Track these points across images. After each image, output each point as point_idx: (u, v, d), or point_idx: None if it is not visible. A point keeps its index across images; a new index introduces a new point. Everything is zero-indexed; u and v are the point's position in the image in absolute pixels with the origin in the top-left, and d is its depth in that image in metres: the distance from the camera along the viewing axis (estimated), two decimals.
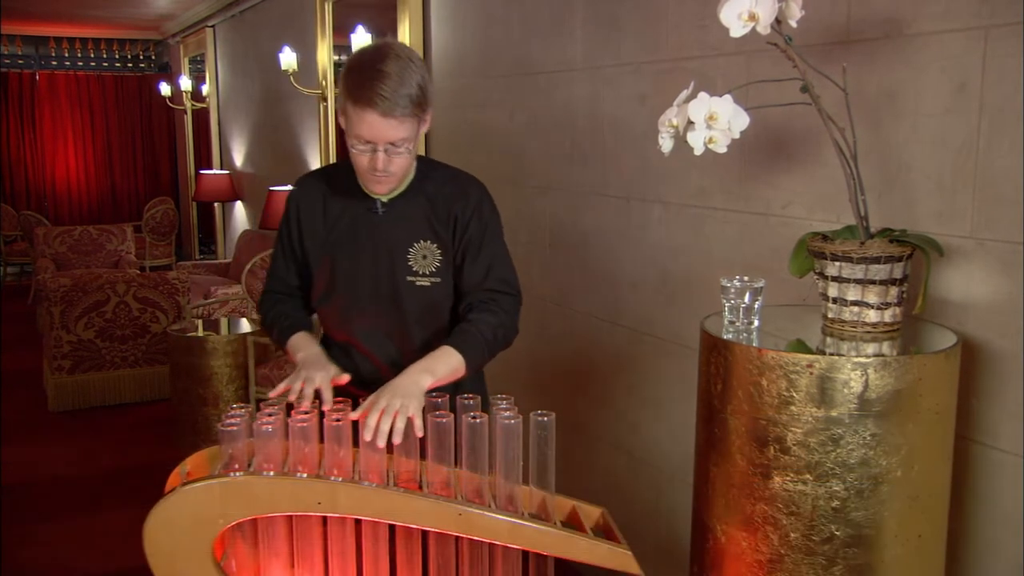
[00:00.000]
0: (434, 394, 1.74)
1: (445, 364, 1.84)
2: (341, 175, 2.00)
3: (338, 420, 1.63)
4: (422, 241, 1.96)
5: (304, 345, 1.98)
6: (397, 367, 1.89)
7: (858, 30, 1.93)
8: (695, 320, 1.92)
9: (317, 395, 1.81)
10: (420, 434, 1.66)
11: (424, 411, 1.70)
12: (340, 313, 2.02)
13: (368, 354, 2.01)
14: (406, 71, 1.79)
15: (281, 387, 1.82)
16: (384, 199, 1.95)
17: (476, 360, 1.89)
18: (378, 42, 1.88)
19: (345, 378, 1.89)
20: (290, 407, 1.72)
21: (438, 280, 1.96)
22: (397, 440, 1.64)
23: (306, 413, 1.66)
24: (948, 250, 1.75)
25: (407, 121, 1.80)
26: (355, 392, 1.90)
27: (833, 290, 1.66)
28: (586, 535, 1.62)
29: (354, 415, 1.67)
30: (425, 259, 1.95)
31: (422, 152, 4.03)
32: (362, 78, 1.78)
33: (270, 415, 1.66)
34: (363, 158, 1.84)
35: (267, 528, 1.65)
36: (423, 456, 1.68)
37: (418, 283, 1.95)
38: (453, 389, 1.87)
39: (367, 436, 1.63)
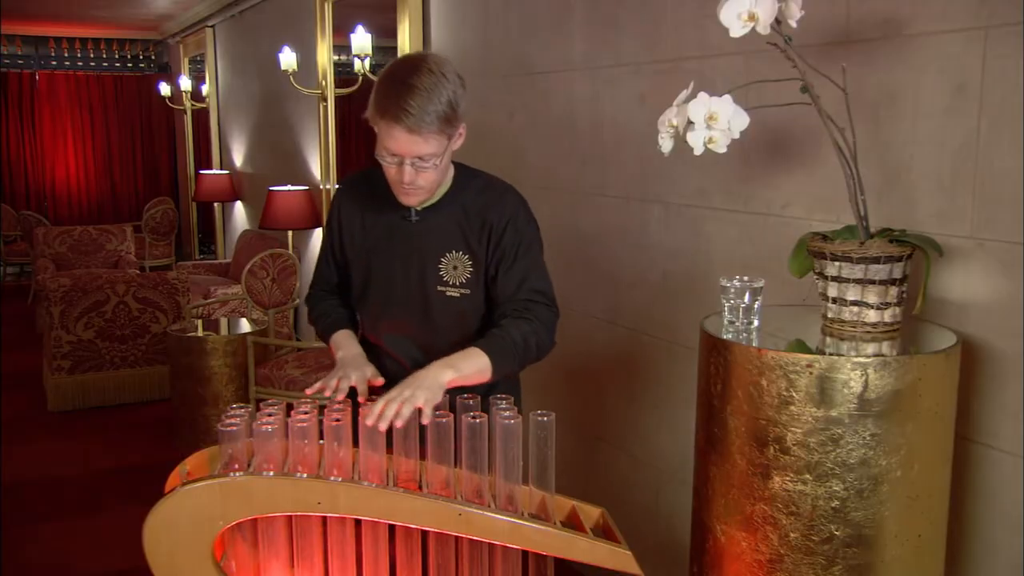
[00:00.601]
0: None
1: (471, 363, 1.81)
2: (381, 181, 1.95)
3: (338, 420, 1.63)
4: (453, 252, 1.94)
5: (345, 344, 2.01)
6: None
7: (857, 30, 1.93)
8: (695, 320, 1.92)
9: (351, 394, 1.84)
10: (425, 421, 1.66)
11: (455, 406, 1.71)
12: (372, 316, 2.04)
13: (396, 358, 2.01)
14: (437, 86, 1.78)
15: (317, 385, 1.84)
16: (418, 208, 1.94)
17: (503, 364, 1.85)
18: (415, 54, 1.89)
19: (380, 381, 1.89)
20: (290, 407, 1.72)
21: (468, 291, 1.94)
22: (399, 423, 1.63)
23: (340, 404, 1.71)
24: (948, 250, 1.75)
25: (434, 137, 1.79)
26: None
27: (833, 290, 1.66)
28: (586, 535, 1.62)
29: (367, 409, 1.69)
30: (456, 270, 1.94)
31: None
32: (391, 91, 1.76)
33: (270, 415, 1.66)
34: (391, 170, 1.84)
35: (267, 528, 1.65)
36: (423, 456, 1.68)
37: (448, 293, 1.94)
38: (487, 390, 1.84)
39: (369, 421, 1.64)
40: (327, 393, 1.81)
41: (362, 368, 1.90)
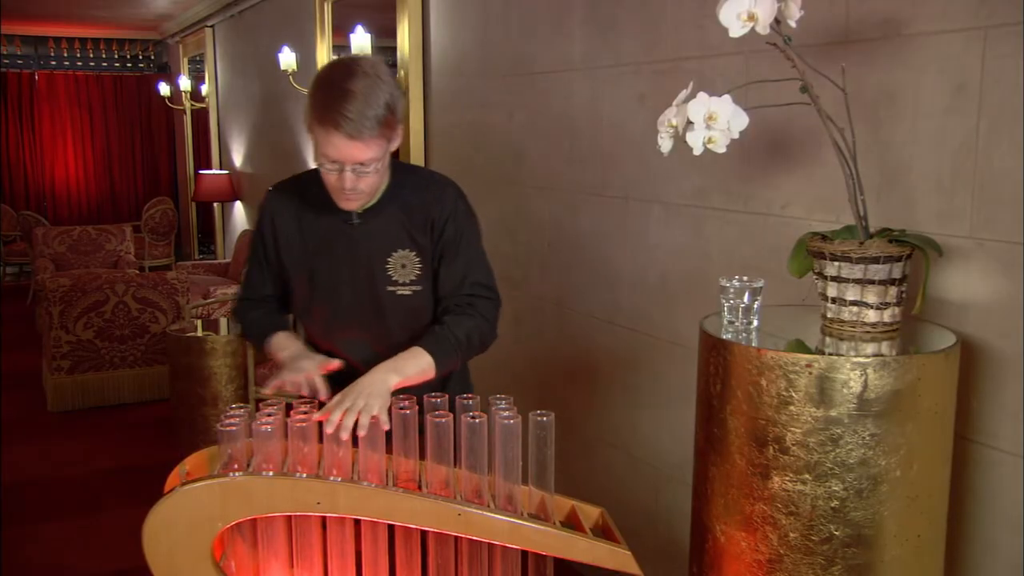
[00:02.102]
0: (465, 395, 1.73)
1: (414, 364, 1.85)
2: (314, 185, 1.96)
3: (302, 422, 1.63)
4: (400, 250, 1.94)
5: (287, 344, 1.99)
6: None
7: (857, 30, 1.93)
8: (694, 320, 1.92)
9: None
10: (386, 427, 1.68)
11: (392, 408, 1.72)
12: (322, 325, 2.02)
13: (351, 361, 1.98)
14: (374, 90, 1.76)
15: (275, 384, 1.84)
16: (359, 210, 1.93)
17: (446, 361, 1.89)
18: (346, 58, 1.85)
19: (335, 364, 1.89)
20: (289, 407, 1.72)
21: (419, 288, 1.96)
22: (362, 433, 1.66)
23: (307, 405, 1.71)
24: (947, 250, 1.75)
25: (374, 142, 1.78)
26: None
27: (832, 290, 1.66)
28: (585, 535, 1.62)
29: (318, 415, 1.69)
30: (404, 268, 1.94)
31: (421, 152, 4.04)
32: (328, 98, 1.75)
33: (269, 415, 1.66)
34: (331, 176, 1.83)
35: (266, 528, 1.65)
36: (422, 456, 1.68)
37: (399, 292, 1.95)
38: (440, 385, 1.90)
39: (329, 429, 1.66)
40: (290, 390, 1.82)
41: (312, 357, 1.90)
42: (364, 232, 1.94)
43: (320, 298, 1.98)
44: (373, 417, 1.69)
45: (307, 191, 1.98)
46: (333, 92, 1.75)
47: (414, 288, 1.95)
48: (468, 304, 1.95)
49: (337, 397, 1.74)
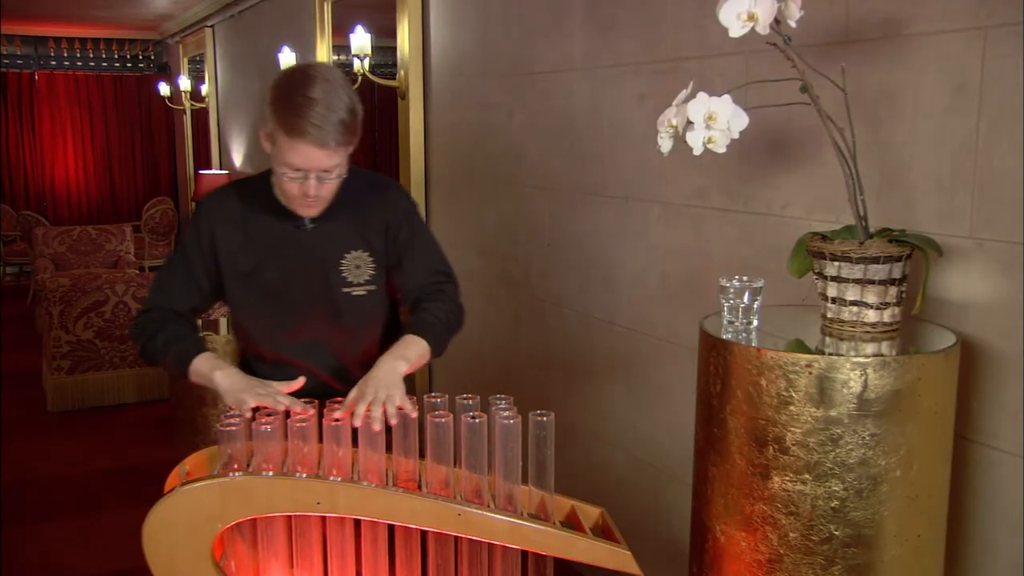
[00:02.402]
0: (465, 396, 1.73)
1: (415, 350, 1.88)
2: (256, 193, 1.95)
3: (303, 422, 1.62)
4: (354, 251, 1.96)
5: (219, 365, 1.87)
6: (340, 376, 1.96)
7: (857, 30, 1.93)
8: (694, 320, 1.92)
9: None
10: (414, 415, 1.69)
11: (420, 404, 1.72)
12: (271, 332, 1.99)
13: (306, 367, 1.96)
14: (335, 96, 1.76)
15: (252, 402, 1.74)
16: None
17: (439, 343, 1.95)
18: (301, 66, 1.83)
19: (298, 383, 1.84)
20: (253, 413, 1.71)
21: (373, 288, 1.98)
22: (394, 421, 1.66)
23: (269, 415, 1.67)
24: (947, 250, 1.75)
25: (340, 149, 1.79)
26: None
27: (832, 290, 1.66)
28: (585, 535, 1.62)
29: (338, 413, 1.68)
30: (359, 269, 1.96)
31: (421, 152, 4.04)
32: (292, 106, 1.73)
33: (269, 415, 1.66)
34: (294, 185, 1.82)
35: (266, 528, 1.65)
36: (422, 456, 1.68)
37: (354, 293, 1.96)
38: None
39: (357, 423, 1.65)
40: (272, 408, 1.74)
41: (264, 384, 1.82)
42: (317, 235, 1.94)
43: (271, 306, 1.96)
44: (399, 406, 1.69)
45: (250, 199, 1.96)
46: (296, 100, 1.74)
47: (368, 288, 1.97)
48: (438, 292, 2.01)
49: (354, 392, 1.74)
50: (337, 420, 1.63)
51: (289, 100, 1.75)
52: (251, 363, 2.05)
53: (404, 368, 1.82)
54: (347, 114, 1.77)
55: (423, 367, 2.04)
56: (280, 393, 1.79)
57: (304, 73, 1.79)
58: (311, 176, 1.79)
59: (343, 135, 1.77)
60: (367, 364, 1.84)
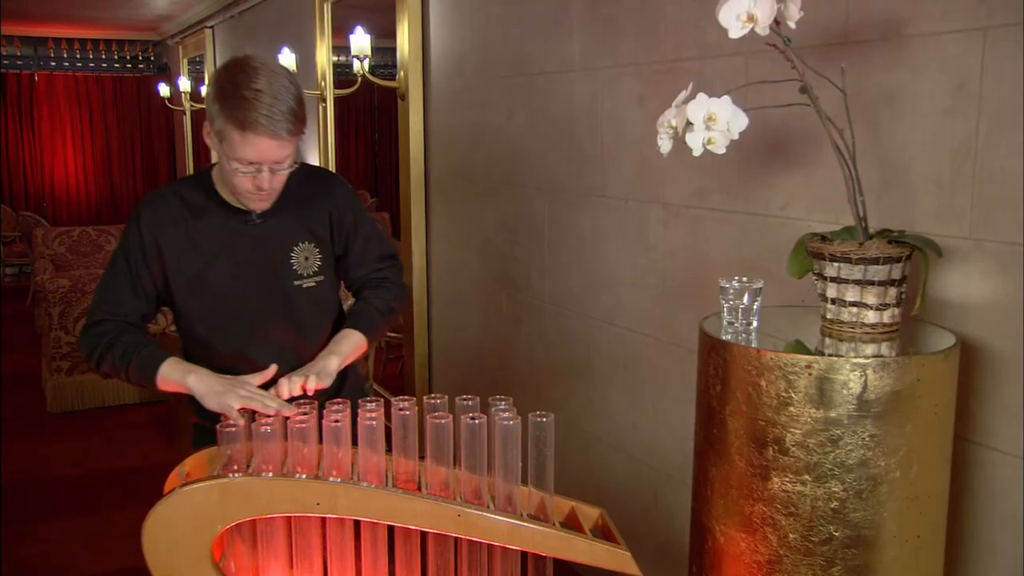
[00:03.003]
0: (465, 396, 1.73)
1: (349, 344, 1.99)
2: (197, 191, 1.94)
3: (303, 423, 1.63)
4: (301, 243, 1.98)
5: (190, 368, 1.87)
6: (292, 367, 1.96)
7: (856, 31, 1.93)
8: (694, 321, 1.92)
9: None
10: (310, 388, 1.83)
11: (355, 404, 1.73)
12: (224, 334, 1.97)
13: (261, 367, 1.93)
14: (282, 87, 1.76)
15: (236, 404, 1.75)
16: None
17: (374, 333, 2.06)
18: (239, 59, 1.81)
19: (272, 370, 1.89)
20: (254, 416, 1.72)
21: (321, 278, 2.02)
22: (310, 385, 1.82)
23: (268, 416, 1.70)
24: (946, 251, 1.75)
25: (291, 138, 1.80)
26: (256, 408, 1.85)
27: (832, 291, 1.66)
28: (585, 536, 1.62)
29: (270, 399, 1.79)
30: (307, 260, 1.99)
31: (420, 153, 4.04)
32: (241, 100, 1.73)
33: (268, 416, 1.66)
34: (246, 179, 1.81)
35: (266, 529, 1.65)
36: (422, 457, 1.68)
37: (305, 285, 1.99)
38: (335, 392, 1.97)
39: (275, 403, 1.75)
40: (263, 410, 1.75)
41: (244, 383, 1.83)
42: (264, 230, 1.95)
43: (223, 306, 1.95)
44: (302, 385, 1.82)
45: (191, 199, 1.94)
46: (243, 93, 1.73)
47: (317, 279, 2.01)
48: (382, 278, 2.11)
49: (282, 380, 1.84)
50: (302, 424, 1.61)
51: (235, 94, 1.74)
52: (214, 368, 1.96)
53: (336, 363, 1.94)
54: (295, 102, 1.79)
55: (369, 360, 2.12)
56: (267, 395, 1.80)
57: (246, 65, 1.78)
58: (264, 168, 1.80)
59: (294, 124, 1.78)
60: None
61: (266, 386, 1.86)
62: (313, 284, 2.00)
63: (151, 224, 1.92)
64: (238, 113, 1.74)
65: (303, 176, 2.00)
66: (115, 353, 1.89)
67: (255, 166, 1.79)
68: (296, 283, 1.98)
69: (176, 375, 1.86)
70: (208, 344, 1.99)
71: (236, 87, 1.75)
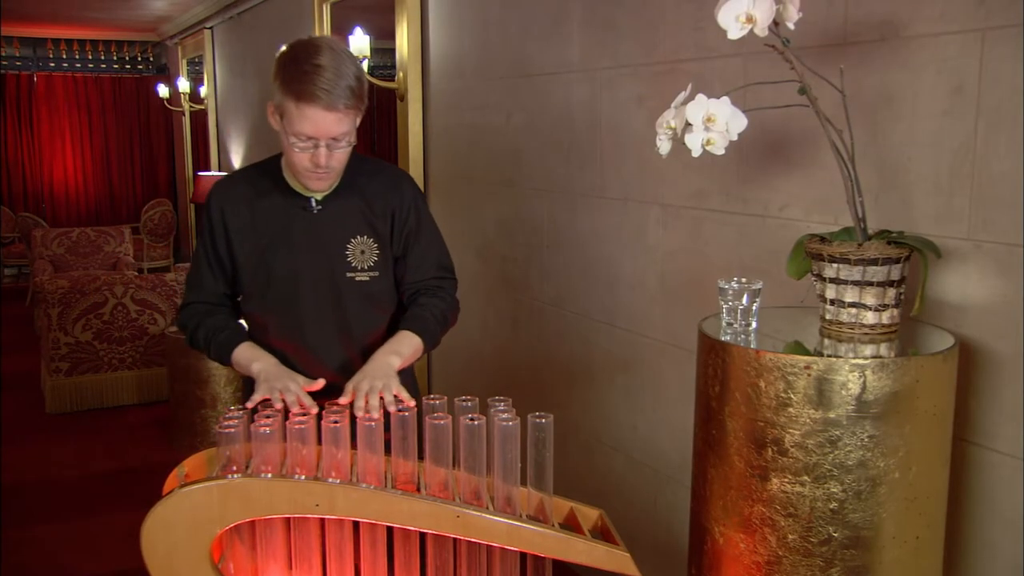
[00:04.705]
0: (464, 397, 1.74)
1: (408, 345, 1.93)
2: (264, 176, 1.99)
3: (302, 423, 1.63)
4: (359, 236, 1.97)
5: (257, 355, 1.92)
6: (342, 366, 1.95)
7: (855, 32, 1.93)
8: (693, 322, 1.92)
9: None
10: (412, 403, 1.72)
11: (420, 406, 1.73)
12: (278, 315, 1.99)
13: (310, 357, 1.97)
14: (342, 63, 1.79)
15: (257, 398, 1.78)
16: (319, 196, 1.95)
17: (432, 339, 2.00)
18: (305, 39, 1.86)
19: (319, 384, 1.85)
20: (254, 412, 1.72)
21: (376, 274, 1.99)
22: (392, 409, 1.69)
23: (304, 416, 1.68)
24: (945, 252, 1.76)
25: (349, 114, 1.81)
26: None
27: (831, 292, 1.67)
28: (584, 537, 1.62)
29: (342, 400, 1.73)
30: (363, 254, 1.97)
31: (420, 153, 4.05)
32: (301, 74, 1.77)
33: (268, 417, 1.66)
34: (304, 156, 1.84)
35: (265, 530, 1.65)
36: (421, 458, 1.68)
37: (357, 278, 1.97)
38: None
39: (360, 414, 1.68)
40: (278, 406, 1.75)
41: (293, 376, 1.85)
42: (324, 218, 1.95)
43: (278, 288, 1.97)
44: (396, 394, 1.74)
45: (258, 182, 1.99)
46: (304, 68, 1.77)
47: (371, 274, 1.98)
48: (437, 287, 2.05)
49: (350, 386, 1.78)
50: (336, 422, 1.63)
51: (296, 68, 1.78)
52: (270, 349, 2.02)
53: (397, 363, 1.88)
54: (355, 80, 1.80)
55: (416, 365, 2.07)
56: (296, 391, 1.79)
57: (310, 43, 1.82)
58: (321, 144, 1.81)
59: (351, 99, 1.79)
60: None
61: (323, 393, 1.83)
62: (366, 278, 1.97)
63: (219, 204, 1.99)
64: (296, 86, 1.77)
65: (372, 170, 2.02)
66: (199, 336, 1.99)
67: (312, 141, 1.81)
68: (349, 275, 1.96)
69: (244, 360, 1.93)
70: (264, 326, 2.02)
71: (297, 62, 1.79)
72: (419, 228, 2.02)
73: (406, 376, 2.05)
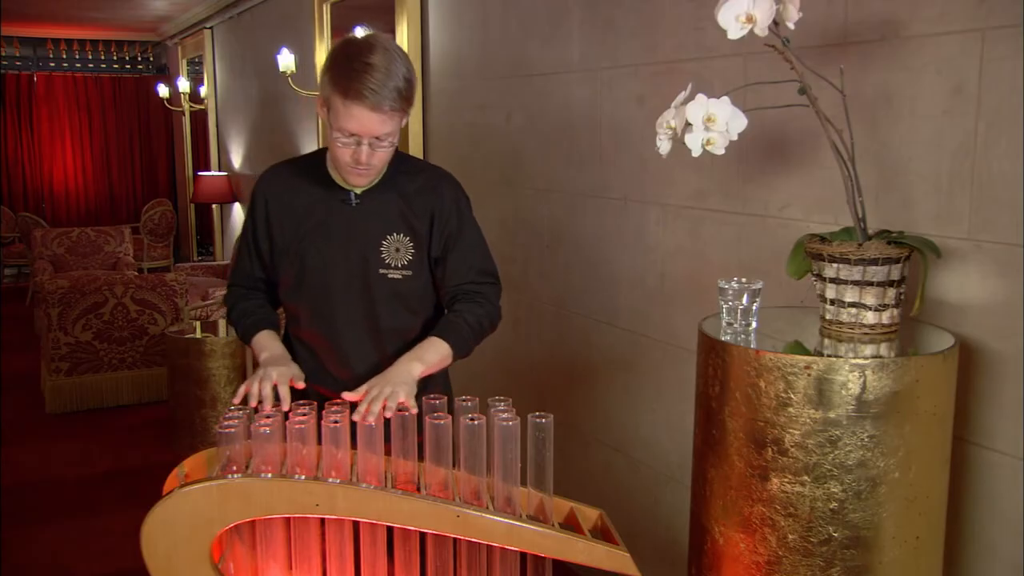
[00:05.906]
0: (464, 397, 1.74)
1: (434, 352, 1.91)
2: (310, 166, 2.01)
3: (303, 423, 1.63)
4: (395, 234, 1.96)
5: (268, 344, 1.98)
6: (369, 365, 1.95)
7: (855, 32, 1.93)
8: (693, 322, 1.93)
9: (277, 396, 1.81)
10: (414, 411, 1.71)
11: (420, 404, 1.73)
12: (310, 307, 2.01)
13: (338, 353, 1.99)
14: (393, 64, 1.79)
15: (242, 389, 1.81)
16: (358, 191, 1.95)
17: (463, 348, 1.96)
18: (363, 35, 1.87)
19: (300, 384, 1.87)
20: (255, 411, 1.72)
21: (409, 273, 1.97)
22: (389, 414, 1.68)
23: (268, 417, 1.67)
24: (945, 252, 1.76)
25: (395, 115, 1.81)
26: (325, 393, 1.91)
27: (831, 292, 1.67)
28: (584, 537, 1.62)
29: (350, 395, 1.73)
30: (398, 252, 1.96)
31: (420, 153, 4.04)
32: (350, 71, 1.77)
33: (268, 417, 1.66)
34: (346, 151, 1.84)
35: (265, 530, 1.65)
36: (421, 458, 1.68)
37: (390, 275, 1.96)
38: (420, 389, 1.88)
39: (356, 418, 1.67)
40: (252, 403, 1.77)
41: (287, 365, 1.89)
42: (362, 212, 1.95)
43: (310, 277, 1.98)
44: (401, 403, 1.72)
45: (303, 173, 2.01)
46: (354, 66, 1.77)
47: (404, 272, 1.97)
48: (476, 292, 2.01)
49: (364, 387, 1.77)
50: (336, 422, 1.63)
51: (347, 65, 1.78)
52: (292, 343, 2.07)
53: (419, 369, 1.85)
54: (403, 82, 1.80)
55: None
56: (277, 378, 1.81)
57: (364, 41, 1.82)
58: (364, 142, 1.81)
59: (398, 101, 1.79)
60: None
61: (330, 399, 1.83)
62: (398, 276, 1.96)
63: (265, 190, 2.02)
64: (345, 83, 1.77)
65: (415, 169, 2.02)
66: (233, 319, 2.09)
67: (355, 138, 1.81)
68: (381, 271, 1.96)
69: (257, 348, 1.99)
70: (297, 316, 2.04)
71: (349, 59, 1.79)
72: (460, 230, 1.99)
73: (439, 379, 2.06)
